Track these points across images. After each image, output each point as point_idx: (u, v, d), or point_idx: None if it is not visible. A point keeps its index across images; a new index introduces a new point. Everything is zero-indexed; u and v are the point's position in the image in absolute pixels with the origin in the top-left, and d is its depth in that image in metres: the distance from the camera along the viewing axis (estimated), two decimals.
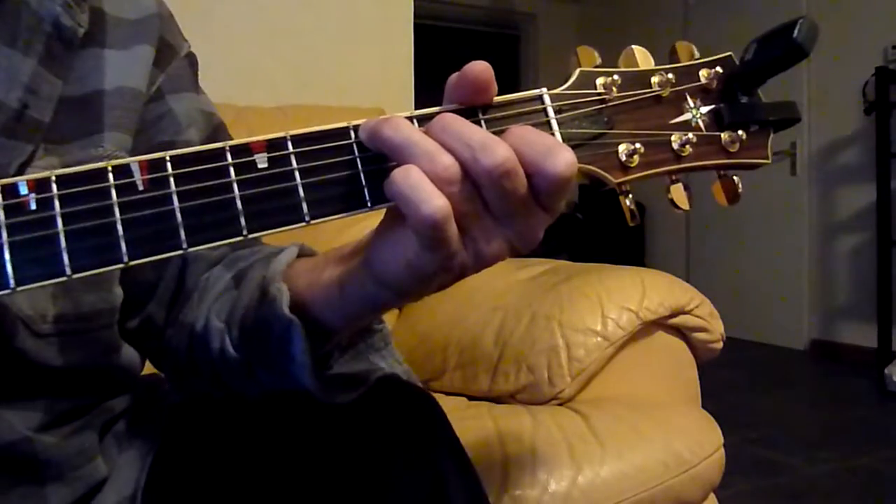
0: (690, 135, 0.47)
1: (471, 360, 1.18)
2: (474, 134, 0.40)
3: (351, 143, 0.42)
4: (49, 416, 0.56)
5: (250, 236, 0.40)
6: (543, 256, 1.37)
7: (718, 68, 0.49)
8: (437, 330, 1.28)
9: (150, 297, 0.63)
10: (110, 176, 0.39)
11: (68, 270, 0.38)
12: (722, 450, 1.04)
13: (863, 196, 3.78)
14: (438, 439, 0.55)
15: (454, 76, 0.43)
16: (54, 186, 0.38)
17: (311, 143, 0.42)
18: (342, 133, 0.42)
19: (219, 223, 0.40)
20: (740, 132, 0.49)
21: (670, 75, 0.48)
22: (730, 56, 0.50)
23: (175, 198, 0.40)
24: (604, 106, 0.46)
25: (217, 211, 0.40)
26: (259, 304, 0.51)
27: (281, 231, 0.41)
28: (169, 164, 0.40)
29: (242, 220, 0.40)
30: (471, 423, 0.99)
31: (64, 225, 0.38)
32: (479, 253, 0.42)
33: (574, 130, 0.45)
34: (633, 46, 0.48)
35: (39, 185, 0.38)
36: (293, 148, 0.41)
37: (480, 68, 0.42)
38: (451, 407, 1.08)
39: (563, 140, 0.44)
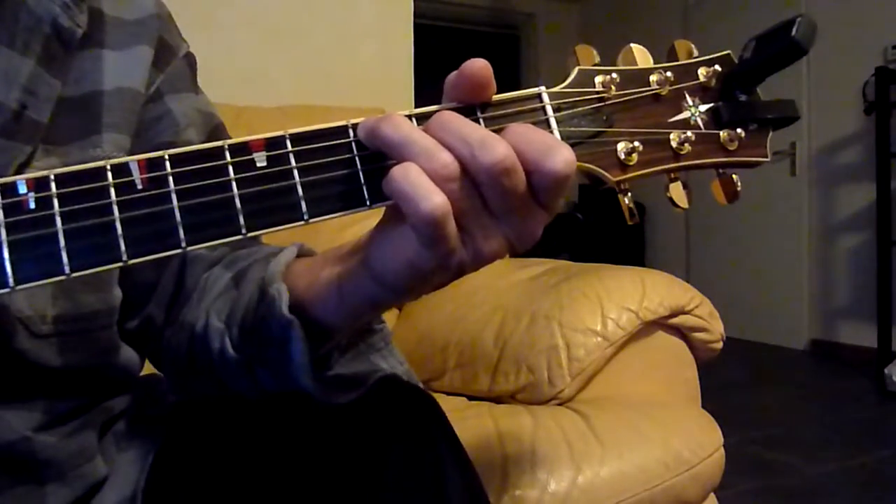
0: (689, 133, 0.47)
1: (471, 360, 1.18)
2: (473, 131, 0.40)
3: (349, 142, 0.42)
4: (48, 416, 0.56)
5: (249, 235, 0.40)
6: (543, 256, 1.37)
7: (717, 66, 0.49)
8: (437, 330, 1.29)
9: (149, 298, 0.63)
10: (109, 175, 0.39)
11: (67, 269, 0.38)
12: (722, 450, 1.04)
13: (863, 196, 3.78)
14: (438, 439, 0.55)
15: (453, 74, 0.43)
16: (53, 185, 0.38)
17: (309, 142, 0.42)
18: (341, 132, 0.42)
19: (218, 222, 0.40)
20: (739, 130, 0.49)
21: (669, 74, 0.48)
22: (728, 54, 0.50)
23: (174, 196, 0.40)
24: (602, 104, 0.46)
25: (216, 209, 0.40)
26: (258, 305, 0.51)
27: (280, 230, 0.41)
28: (168, 163, 0.40)
29: (241, 219, 0.40)
30: (471, 423, 0.99)
31: (63, 224, 0.38)
32: (477, 251, 0.42)
33: (573, 129, 0.45)
34: (632, 45, 0.48)
35: (38, 184, 0.38)
36: (292, 146, 0.41)
37: (479, 66, 0.42)
38: (451, 407, 1.08)
39: (562, 138, 0.44)
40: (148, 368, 0.68)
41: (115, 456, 0.63)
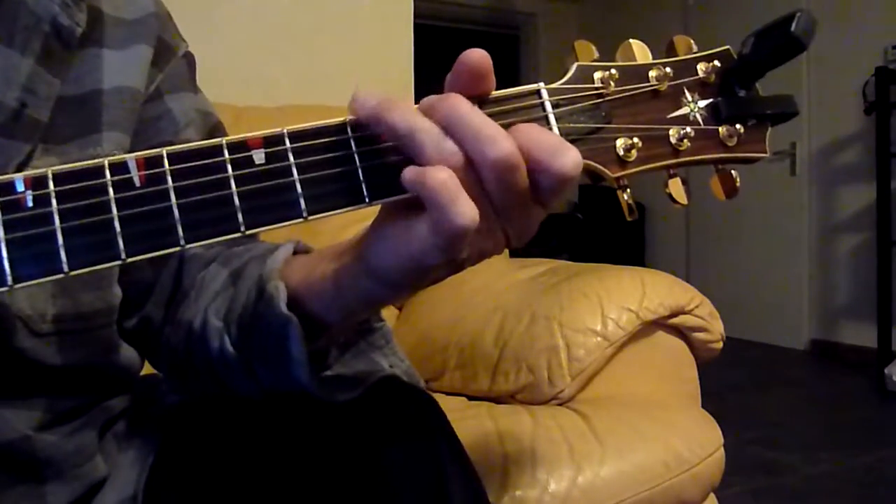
0: (688, 129, 0.47)
1: (471, 360, 1.18)
2: (480, 124, 0.40)
3: (348, 139, 0.42)
4: (48, 415, 0.56)
5: (248, 232, 0.40)
6: (543, 256, 1.37)
7: (716, 62, 0.49)
8: (437, 330, 1.28)
9: (147, 297, 0.63)
10: (107, 172, 0.39)
11: (66, 267, 0.38)
12: (722, 450, 1.03)
13: (863, 196, 3.78)
14: (438, 439, 0.55)
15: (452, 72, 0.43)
16: (51, 183, 0.38)
17: (308, 139, 0.41)
18: (340, 129, 0.42)
19: (216, 219, 0.40)
20: (738, 126, 0.48)
21: (668, 69, 0.48)
22: (728, 50, 0.50)
23: (172, 194, 0.39)
24: (601, 100, 0.46)
25: (214, 207, 0.40)
26: (256, 303, 0.51)
27: (279, 227, 0.41)
28: (166, 161, 0.40)
29: (240, 216, 0.40)
30: (471, 423, 0.99)
31: (61, 222, 0.38)
32: (478, 245, 0.42)
33: (572, 125, 0.44)
34: (631, 40, 0.47)
35: (36, 182, 0.38)
36: (290, 144, 0.41)
37: (477, 55, 0.41)
38: (451, 407, 1.08)
39: (561, 135, 0.44)
40: (148, 368, 0.68)
41: (115, 455, 0.63)
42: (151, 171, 0.40)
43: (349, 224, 1.31)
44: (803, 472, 2.32)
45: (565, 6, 5.84)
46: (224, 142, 0.41)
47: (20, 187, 0.38)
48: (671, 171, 0.48)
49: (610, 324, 1.10)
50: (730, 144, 0.48)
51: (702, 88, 0.49)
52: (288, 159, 0.41)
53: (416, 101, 0.43)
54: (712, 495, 1.06)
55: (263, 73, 1.73)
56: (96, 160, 0.39)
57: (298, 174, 0.41)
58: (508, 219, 0.42)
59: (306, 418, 0.55)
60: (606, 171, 0.45)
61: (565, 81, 0.46)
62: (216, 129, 0.68)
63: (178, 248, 0.39)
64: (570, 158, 0.40)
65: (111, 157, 0.40)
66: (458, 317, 1.26)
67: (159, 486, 0.61)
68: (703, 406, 1.17)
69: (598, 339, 1.09)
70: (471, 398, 1.17)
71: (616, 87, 0.46)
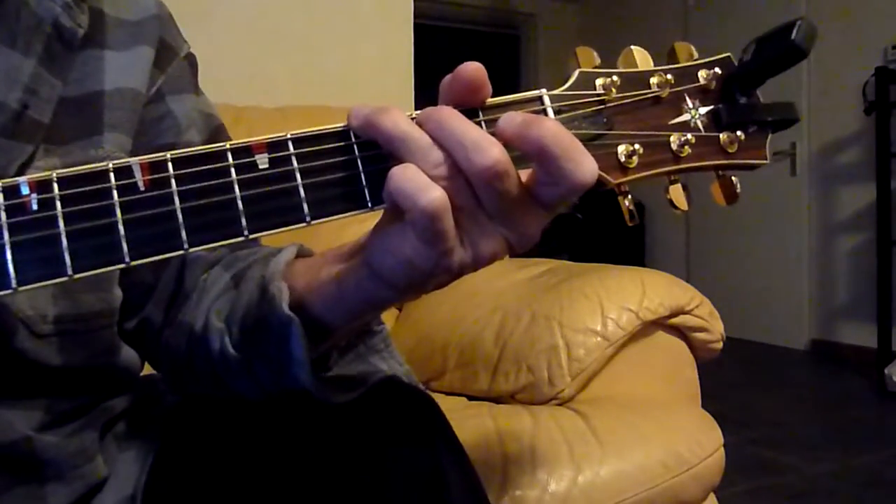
0: (689, 135, 0.47)
1: (471, 360, 1.18)
2: (468, 132, 0.40)
3: (351, 144, 0.42)
4: (49, 416, 0.56)
5: (251, 237, 0.40)
6: (543, 256, 1.37)
7: (717, 69, 0.49)
8: (437, 330, 1.29)
9: (147, 299, 0.63)
10: (111, 176, 0.39)
11: (70, 271, 0.38)
12: (722, 450, 1.04)
13: (863, 196, 3.78)
14: (438, 439, 0.55)
15: (447, 78, 0.43)
16: (56, 187, 0.39)
17: (311, 144, 0.42)
18: (343, 133, 0.42)
19: (220, 223, 0.40)
20: (739, 133, 0.49)
21: (669, 76, 0.48)
22: (728, 57, 0.50)
23: (176, 198, 0.40)
24: (603, 107, 0.46)
25: (218, 211, 0.40)
26: (258, 304, 0.51)
27: (282, 231, 0.41)
28: (170, 165, 0.40)
29: (243, 221, 0.40)
30: (471, 423, 0.99)
31: (65, 225, 0.38)
32: (476, 250, 0.42)
33: (573, 131, 0.44)
34: (632, 47, 0.48)
35: (41, 186, 0.38)
36: (294, 148, 0.41)
37: (473, 68, 0.42)
38: (451, 407, 1.08)
39: None
40: (148, 369, 0.68)
41: (115, 456, 0.63)
42: (155, 176, 0.40)
43: (349, 224, 1.32)
44: (803, 472, 2.32)
45: (565, 6, 5.84)
46: (228, 146, 0.41)
47: (25, 190, 0.38)
48: (672, 178, 0.48)
49: (610, 324, 1.10)
50: (730, 151, 0.48)
51: (703, 95, 0.49)
52: (291, 164, 0.41)
53: (417, 102, 0.43)
54: (712, 495, 1.06)
55: (263, 73, 1.73)
56: (101, 164, 0.40)
57: (302, 179, 0.41)
58: (506, 225, 0.42)
59: (306, 419, 0.55)
60: (608, 178, 0.46)
61: (567, 87, 0.46)
62: (218, 131, 0.68)
63: (181, 252, 0.40)
64: (587, 167, 0.40)
65: (115, 161, 0.40)
66: (458, 317, 1.26)
67: (159, 486, 0.61)
68: (703, 406, 1.17)
69: (598, 339, 1.09)
70: (471, 398, 1.17)
71: (617, 93, 0.46)
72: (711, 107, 0.49)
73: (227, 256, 0.62)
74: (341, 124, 0.42)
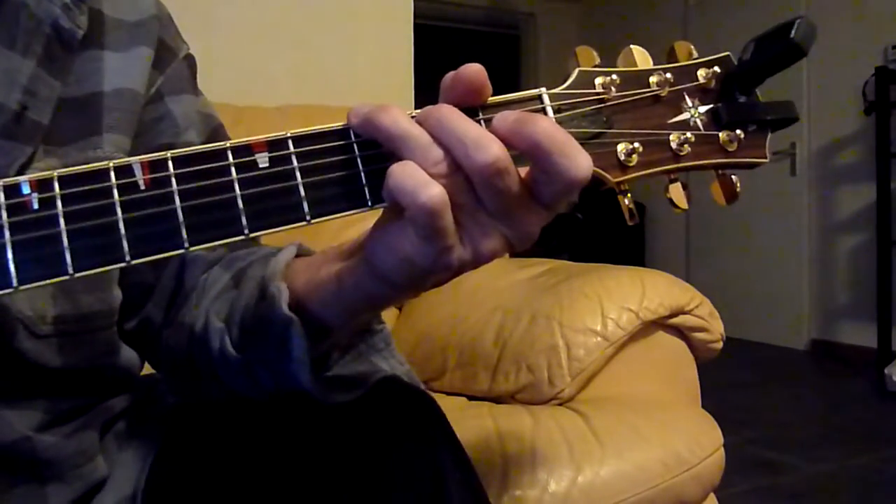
0: (689, 134, 0.47)
1: (471, 360, 1.18)
2: (468, 130, 0.40)
3: (351, 143, 0.42)
4: (49, 416, 0.56)
5: (251, 235, 0.41)
6: (543, 256, 1.37)
7: (716, 68, 0.49)
8: (437, 330, 1.29)
9: (147, 298, 0.63)
10: (112, 175, 0.39)
11: (70, 269, 0.38)
12: (722, 450, 1.04)
13: (863, 196, 3.78)
14: (438, 439, 0.55)
15: (447, 78, 0.43)
16: (56, 186, 0.39)
17: (311, 143, 0.42)
18: (343, 132, 0.42)
19: (220, 222, 0.40)
20: (738, 132, 0.49)
21: (669, 75, 0.48)
22: (728, 56, 0.50)
23: (177, 197, 0.40)
24: (603, 105, 0.46)
25: (218, 210, 0.40)
26: (258, 304, 0.51)
27: (282, 230, 0.41)
28: (170, 164, 0.40)
29: (244, 220, 0.40)
30: (471, 423, 0.99)
31: (66, 224, 0.38)
32: (476, 248, 0.42)
33: (573, 130, 0.45)
34: (632, 46, 0.48)
35: (42, 185, 0.39)
36: (294, 147, 0.41)
37: (474, 70, 0.42)
38: (451, 407, 1.08)
39: None
40: (148, 369, 0.68)
41: (115, 456, 0.63)
42: (156, 175, 0.40)
43: (349, 223, 1.32)
44: (803, 472, 2.32)
45: (565, 6, 5.84)
46: (228, 145, 0.41)
47: (26, 190, 0.38)
48: (672, 176, 0.48)
49: (610, 324, 1.10)
50: (730, 150, 0.48)
51: (702, 94, 0.49)
52: (291, 163, 0.41)
53: (416, 102, 0.43)
54: (712, 495, 1.06)
55: (263, 72, 1.73)
56: (101, 163, 0.40)
57: (302, 177, 0.41)
58: (506, 223, 0.42)
59: (306, 418, 0.55)
60: (608, 176, 0.46)
61: (567, 86, 0.46)
62: (217, 132, 0.68)
63: (181, 251, 0.40)
64: (582, 162, 0.40)
65: (116, 161, 0.40)
66: (458, 316, 1.26)
67: (159, 485, 0.61)
68: (703, 406, 1.17)
69: (598, 339, 1.09)
70: (471, 398, 1.17)
71: (617, 92, 0.46)
72: (711, 106, 0.49)
73: (226, 256, 0.62)
74: (341, 123, 0.42)
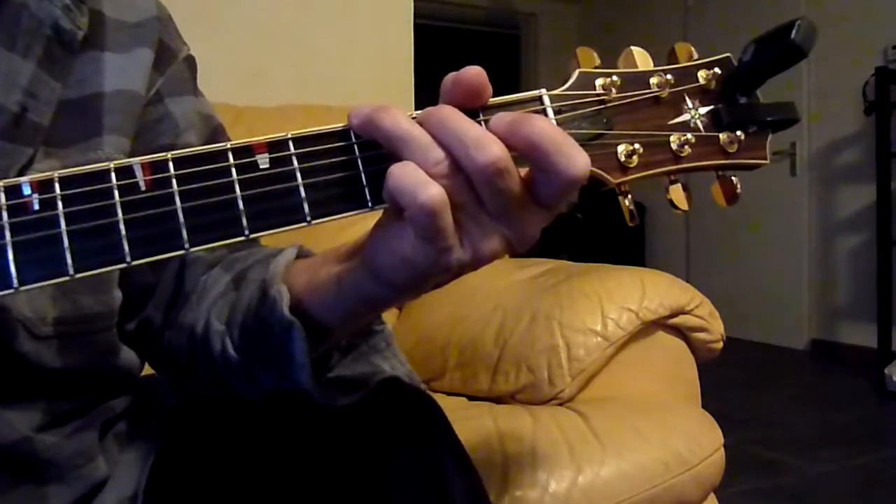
0: (689, 135, 0.47)
1: (471, 360, 1.18)
2: (469, 130, 0.40)
3: (352, 144, 0.42)
4: (49, 417, 0.56)
5: (252, 236, 0.41)
6: (543, 256, 1.37)
7: (717, 69, 0.49)
8: (437, 330, 1.29)
9: (147, 300, 0.63)
10: (113, 176, 0.39)
11: (71, 270, 0.38)
12: (722, 450, 1.04)
13: (863, 196, 3.78)
14: (438, 439, 0.55)
15: (449, 78, 0.43)
16: (57, 187, 0.39)
17: (312, 144, 0.42)
18: (343, 133, 0.42)
19: (221, 223, 0.40)
20: (739, 133, 0.49)
21: (669, 76, 0.48)
22: (728, 57, 0.50)
23: (177, 198, 0.40)
24: (603, 107, 0.46)
25: (219, 211, 0.40)
26: (259, 306, 0.51)
27: (282, 231, 0.41)
28: (171, 165, 0.40)
29: (244, 220, 0.40)
30: (471, 423, 0.99)
31: (66, 225, 0.38)
32: (476, 249, 0.42)
33: (573, 131, 0.45)
34: (632, 47, 0.48)
35: (42, 186, 0.39)
36: (294, 148, 0.41)
37: (475, 73, 0.42)
38: (451, 407, 1.08)
39: None
40: (148, 370, 0.68)
41: (116, 456, 0.63)
42: (156, 176, 0.40)
43: (349, 223, 1.32)
44: (803, 472, 2.33)
45: (565, 6, 5.84)
46: (229, 146, 0.41)
47: (27, 190, 0.38)
48: (672, 178, 0.48)
49: (610, 324, 1.10)
50: (730, 151, 0.48)
51: (702, 95, 0.49)
52: (292, 164, 0.41)
53: (416, 102, 0.43)
54: (712, 495, 1.07)
55: (263, 72, 1.73)
56: (102, 164, 0.40)
57: (302, 179, 0.41)
58: (506, 224, 0.42)
59: (307, 419, 0.55)
60: (608, 177, 0.46)
61: (567, 88, 0.46)
62: (217, 133, 0.68)
63: (182, 252, 0.40)
64: (580, 161, 0.40)
65: (117, 161, 0.40)
66: (458, 317, 1.26)
67: (160, 486, 0.61)
68: (703, 406, 1.17)
69: (598, 339, 1.09)
70: (471, 398, 1.17)
71: (617, 93, 0.46)
72: (711, 107, 0.49)
73: (226, 257, 0.62)
74: (342, 124, 0.42)
